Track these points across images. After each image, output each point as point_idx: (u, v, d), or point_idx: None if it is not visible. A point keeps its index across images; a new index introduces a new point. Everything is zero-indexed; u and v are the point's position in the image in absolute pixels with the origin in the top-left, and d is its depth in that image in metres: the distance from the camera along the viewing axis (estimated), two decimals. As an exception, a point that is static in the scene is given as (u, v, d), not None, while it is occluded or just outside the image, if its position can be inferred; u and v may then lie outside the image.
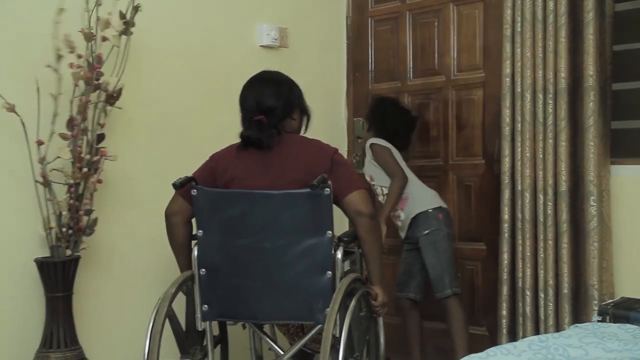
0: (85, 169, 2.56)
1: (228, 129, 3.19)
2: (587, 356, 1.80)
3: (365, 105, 3.84)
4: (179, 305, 2.51)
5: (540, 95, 3.23)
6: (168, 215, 2.58)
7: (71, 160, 2.53)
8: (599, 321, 2.11)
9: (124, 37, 2.63)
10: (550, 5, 3.18)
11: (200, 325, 2.53)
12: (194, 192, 2.47)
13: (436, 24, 3.74)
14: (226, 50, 3.27)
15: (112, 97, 2.61)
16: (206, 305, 2.51)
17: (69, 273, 2.56)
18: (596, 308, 2.73)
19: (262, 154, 2.51)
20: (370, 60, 3.97)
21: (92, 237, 2.65)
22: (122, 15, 2.62)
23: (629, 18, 3.43)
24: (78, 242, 2.60)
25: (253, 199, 2.43)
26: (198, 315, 2.52)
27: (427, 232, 3.31)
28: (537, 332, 3.17)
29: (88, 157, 2.57)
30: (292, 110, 2.64)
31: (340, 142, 3.82)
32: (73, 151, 2.53)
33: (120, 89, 2.63)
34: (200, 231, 2.50)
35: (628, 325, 1.99)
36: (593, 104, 3.10)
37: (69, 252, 2.57)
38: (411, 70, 3.85)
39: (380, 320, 2.71)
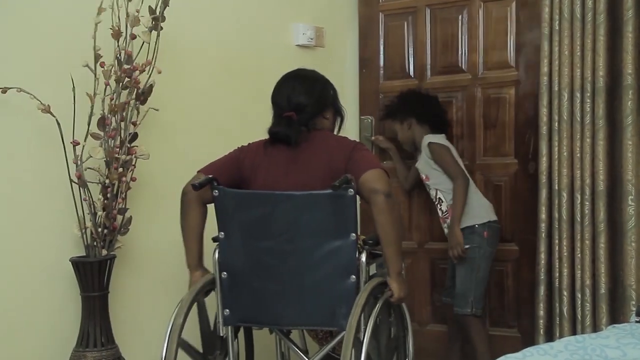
0: (120, 169, 2.58)
1: (262, 129, 3.20)
2: (625, 357, 1.77)
3: (372, 103, 3.78)
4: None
5: (578, 94, 3.19)
6: (184, 192, 2.49)
7: (105, 160, 2.55)
8: (636, 321, 2.07)
9: (154, 33, 2.64)
10: (589, 3, 3.15)
11: (222, 330, 2.47)
12: (215, 192, 2.42)
13: (460, 20, 3.63)
14: (261, 49, 3.28)
15: (143, 95, 2.63)
16: (228, 310, 2.45)
17: (104, 272, 2.58)
18: (634, 308, 2.68)
19: (289, 151, 2.46)
20: (380, 56, 3.80)
21: (126, 236, 2.67)
22: (152, 11, 2.64)
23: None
24: (113, 242, 2.62)
25: (275, 200, 2.37)
26: (220, 319, 2.47)
27: (467, 247, 3.21)
28: (574, 332, 3.14)
29: (123, 156, 2.59)
30: (325, 109, 2.60)
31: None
32: (107, 151, 2.55)
33: (151, 87, 2.64)
34: (222, 233, 2.45)
35: (667, 326, 1.96)
36: (631, 102, 3.06)
37: (104, 251, 2.59)
38: (429, 67, 3.72)
39: (409, 325, 2.60)
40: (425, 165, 3.37)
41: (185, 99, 2.99)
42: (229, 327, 2.49)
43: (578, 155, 3.18)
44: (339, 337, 2.40)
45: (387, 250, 2.40)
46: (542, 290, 3.26)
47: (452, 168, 3.28)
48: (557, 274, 3.23)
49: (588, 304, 3.13)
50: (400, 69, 3.79)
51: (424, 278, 3.76)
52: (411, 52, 3.76)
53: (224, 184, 2.43)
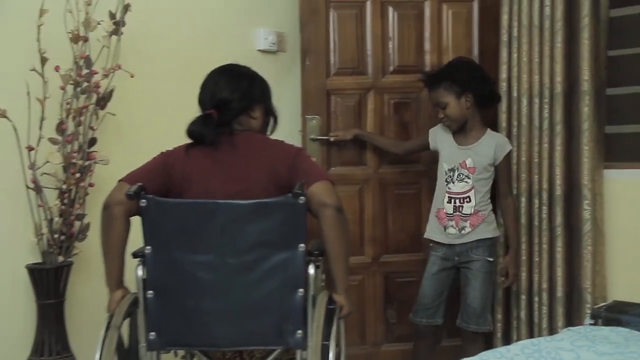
0: (78, 174, 2.55)
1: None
2: (579, 359, 1.79)
3: (318, 101, 3.38)
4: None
5: (537, 100, 3.24)
6: (108, 206, 2.22)
7: (62, 165, 2.53)
8: (591, 324, 2.10)
9: (114, 37, 2.63)
10: (547, 10, 3.19)
11: (146, 356, 2.22)
12: (142, 202, 2.15)
13: (419, 17, 3.44)
14: (223, 54, 3.24)
15: (103, 100, 2.61)
16: (154, 333, 2.19)
17: (60, 279, 2.55)
18: (589, 311, 2.72)
19: (216, 153, 2.30)
20: (330, 49, 3.40)
21: (84, 242, 2.64)
22: (112, 15, 2.62)
23: (623, 23, 3.43)
24: (70, 248, 2.59)
25: (217, 209, 2.15)
26: (143, 344, 2.20)
27: (491, 259, 3.00)
28: (531, 335, 3.18)
29: (81, 162, 2.56)
30: (251, 107, 2.41)
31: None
32: (65, 156, 2.52)
33: (111, 92, 2.62)
34: (149, 247, 2.17)
35: (620, 328, 1.99)
36: (588, 108, 3.11)
37: (60, 258, 2.56)
38: (378, 65, 3.43)
39: (343, 341, 2.42)
40: (484, 158, 2.99)
41: (146, 104, 2.97)
42: (154, 353, 2.24)
43: (536, 160, 3.22)
44: (275, 354, 2.33)
45: (337, 266, 2.27)
46: (500, 294, 3.30)
47: (510, 183, 3.14)
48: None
49: (545, 307, 3.17)
50: (351, 65, 3.43)
51: (378, 294, 3.49)
52: (367, 47, 3.43)
53: (152, 193, 2.19)
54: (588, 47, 3.10)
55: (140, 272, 2.19)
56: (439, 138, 3.11)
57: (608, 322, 2.06)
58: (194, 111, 3.11)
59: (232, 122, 2.36)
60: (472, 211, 2.98)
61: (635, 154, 3.34)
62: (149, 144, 2.96)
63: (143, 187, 2.16)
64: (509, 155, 3.06)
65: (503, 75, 3.29)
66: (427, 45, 3.47)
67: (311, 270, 2.20)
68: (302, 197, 2.13)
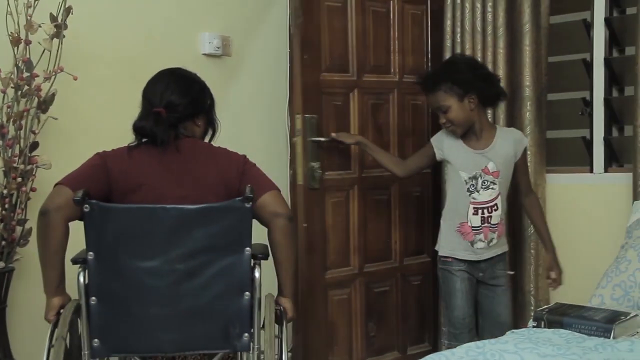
0: (19, 179, 2.50)
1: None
2: (522, 361, 1.83)
3: (316, 99, 3.27)
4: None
5: (480, 105, 3.28)
6: (47, 212, 2.16)
7: (3, 170, 2.47)
8: (534, 327, 2.14)
9: (55, 40, 2.58)
10: (489, 16, 3.25)
11: None
12: (86, 208, 2.10)
13: (385, 16, 3.41)
14: (167, 58, 3.21)
15: (45, 104, 2.56)
16: (97, 340, 2.15)
17: (2, 286, 2.49)
18: (532, 314, 2.77)
19: (162, 156, 2.28)
20: (323, 43, 3.30)
21: (26, 247, 2.58)
22: (53, 18, 2.57)
23: (562, 30, 3.52)
24: (12, 254, 2.53)
25: (164, 215, 2.14)
26: (85, 351, 2.16)
27: (512, 272, 2.95)
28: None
29: (22, 166, 2.51)
30: (198, 114, 2.44)
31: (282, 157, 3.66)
32: (5, 160, 2.46)
33: (53, 95, 2.57)
34: (91, 253, 2.12)
35: (562, 330, 2.03)
36: (530, 113, 3.17)
37: (2, 264, 2.50)
38: (357, 63, 3.35)
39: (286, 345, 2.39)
40: (506, 159, 2.82)
41: (89, 108, 2.92)
42: None
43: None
44: (218, 357, 2.35)
45: (285, 273, 2.34)
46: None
47: (530, 179, 2.95)
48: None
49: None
50: (339, 62, 3.35)
51: (360, 307, 3.37)
52: (351, 43, 3.36)
53: (92, 196, 2.14)
54: (529, 54, 3.16)
55: (82, 278, 2.14)
56: (447, 146, 2.87)
57: (550, 325, 2.09)
58: (136, 115, 3.09)
59: (177, 125, 2.36)
60: (500, 220, 2.82)
61: (574, 158, 3.43)
62: (92, 148, 2.91)
63: (87, 192, 2.11)
64: (526, 148, 2.91)
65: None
66: (393, 45, 3.44)
67: (257, 273, 2.22)
68: (250, 202, 2.15)
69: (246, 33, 3.58)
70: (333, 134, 3.19)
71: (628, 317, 2.05)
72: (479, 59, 3.28)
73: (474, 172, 2.80)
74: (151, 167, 2.28)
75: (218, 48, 3.38)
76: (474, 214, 2.79)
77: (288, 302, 2.36)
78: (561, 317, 2.09)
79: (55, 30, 2.56)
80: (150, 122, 2.30)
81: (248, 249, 2.18)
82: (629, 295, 2.35)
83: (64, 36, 2.60)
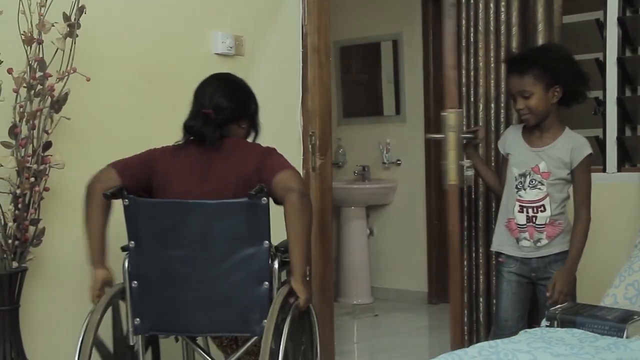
0: (32, 179, 2.51)
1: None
2: (535, 361, 1.82)
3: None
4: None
5: (492, 105, 3.28)
6: (92, 184, 2.44)
7: (16, 169, 2.48)
8: (547, 326, 2.13)
9: (69, 40, 2.58)
10: (502, 16, 3.24)
11: (133, 340, 2.45)
12: (125, 202, 2.39)
13: None
14: (180, 58, 3.24)
15: (57, 104, 2.57)
16: (138, 319, 2.42)
17: (15, 285, 2.49)
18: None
19: (201, 156, 2.48)
20: None
21: (39, 247, 2.60)
22: (66, 17, 2.58)
23: (575, 30, 3.51)
24: (25, 253, 2.54)
25: (188, 209, 2.37)
26: (130, 329, 2.44)
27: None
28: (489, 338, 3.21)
29: (35, 166, 2.52)
30: (242, 118, 2.63)
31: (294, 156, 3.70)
32: (18, 160, 2.47)
33: (66, 95, 2.58)
34: (132, 242, 2.41)
35: (574, 330, 2.02)
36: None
37: (15, 264, 2.51)
38: None
39: (317, 328, 2.61)
40: (558, 163, 2.73)
41: (102, 108, 2.94)
42: (139, 337, 2.46)
43: (493, 163, 3.26)
44: (248, 344, 2.45)
45: (295, 251, 2.35)
46: (465, 297, 3.32)
47: (590, 195, 2.73)
48: (475, 280, 3.31)
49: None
50: None
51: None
52: None
53: (133, 187, 2.42)
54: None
55: (126, 264, 2.42)
56: (509, 139, 2.85)
57: (564, 324, 2.09)
58: (150, 115, 3.11)
59: (223, 126, 2.54)
60: (548, 221, 2.72)
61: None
62: (104, 148, 2.94)
63: (122, 188, 2.38)
64: (587, 160, 2.72)
65: (463, 80, 3.34)
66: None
67: (276, 264, 2.37)
68: (264, 198, 2.32)
69: (259, 32, 3.59)
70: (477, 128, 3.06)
71: (641, 317, 2.05)
72: (492, 59, 3.28)
73: (524, 170, 2.76)
74: (186, 164, 2.48)
75: (231, 48, 3.39)
76: (519, 212, 2.75)
77: (297, 285, 2.37)
78: (574, 316, 2.09)
79: (68, 29, 2.57)
80: (199, 122, 2.50)
81: (267, 241, 2.34)
82: (642, 295, 2.34)
83: (77, 35, 2.60)
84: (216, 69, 3.32)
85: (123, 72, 3.01)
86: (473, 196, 3.32)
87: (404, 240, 5.51)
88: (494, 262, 3.24)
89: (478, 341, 3.13)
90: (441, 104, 4.44)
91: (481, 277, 3.29)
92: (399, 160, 5.61)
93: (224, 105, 2.56)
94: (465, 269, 3.31)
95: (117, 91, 2.99)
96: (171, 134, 3.14)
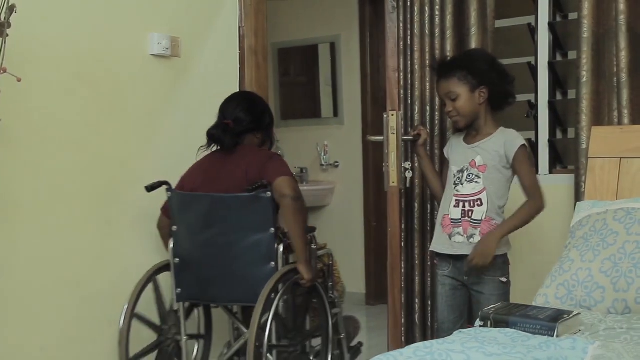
0: (-40, 182, 2.44)
1: (117, 139, 3.14)
2: (469, 360, 1.84)
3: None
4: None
5: (428, 108, 3.31)
6: (158, 229, 3.16)
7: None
8: (481, 326, 2.16)
9: (-2, 40, 2.51)
10: (437, 20, 3.28)
11: (175, 306, 3.02)
12: (168, 194, 2.98)
13: None
14: (115, 58, 3.19)
15: (-14, 105, 2.50)
16: (179, 289, 2.99)
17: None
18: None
19: (217, 159, 3.00)
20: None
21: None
22: (-4, 16, 2.51)
23: (508, 34, 3.58)
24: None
25: (211, 201, 2.88)
26: (173, 297, 3.01)
27: (504, 280, 2.76)
28: (425, 338, 3.25)
29: (-37, 169, 2.44)
30: (258, 130, 3.09)
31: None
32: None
33: (-4, 96, 2.51)
34: (175, 227, 2.99)
35: (507, 330, 2.05)
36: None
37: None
38: None
39: (327, 304, 3.04)
40: (493, 156, 2.76)
41: (34, 109, 2.86)
42: (181, 303, 3.01)
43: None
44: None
45: (296, 243, 2.86)
46: (403, 298, 3.35)
47: (536, 183, 2.76)
48: (410, 282, 3.35)
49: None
50: None
51: None
52: None
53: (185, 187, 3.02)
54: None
55: (171, 244, 2.98)
56: (451, 144, 2.92)
57: (497, 324, 2.12)
58: (86, 116, 3.06)
59: (240, 135, 3.03)
60: (484, 217, 2.72)
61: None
62: (37, 149, 2.88)
63: (162, 183, 2.99)
64: (522, 151, 2.75)
65: (401, 82, 3.37)
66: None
67: (280, 248, 2.85)
68: (268, 192, 2.80)
69: (195, 34, 3.56)
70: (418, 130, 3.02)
71: (571, 316, 2.09)
72: (427, 62, 3.32)
73: (462, 166, 2.80)
74: (202, 166, 3.05)
75: (167, 49, 3.36)
76: (454, 207, 2.76)
77: (301, 266, 2.87)
78: (507, 316, 2.12)
79: (-3, 29, 2.50)
80: (219, 130, 3.00)
81: (272, 229, 2.83)
82: (572, 294, 2.39)
83: (7, 35, 2.53)
84: (152, 70, 3.30)
85: (56, 73, 2.95)
86: (409, 198, 3.35)
87: (342, 242, 5.53)
88: (429, 263, 3.29)
89: (414, 342, 3.16)
90: (378, 107, 4.62)
91: (417, 278, 3.33)
92: (336, 162, 5.63)
93: (242, 117, 3.05)
94: (402, 270, 3.33)
95: (50, 92, 2.93)
96: (106, 134, 3.10)
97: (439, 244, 2.82)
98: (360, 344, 3.50)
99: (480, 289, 2.75)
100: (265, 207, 2.83)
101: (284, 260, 2.88)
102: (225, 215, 2.87)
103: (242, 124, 3.04)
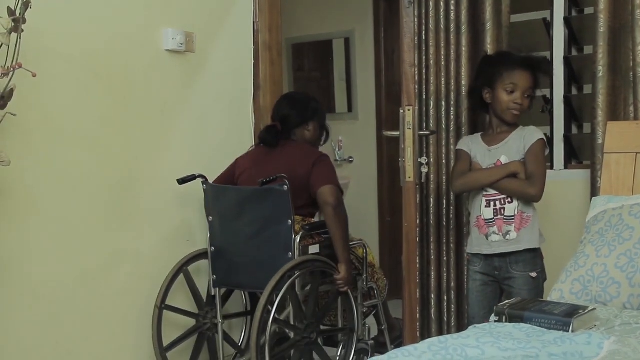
0: (-23, 177, 2.45)
1: (131, 134, 3.15)
2: (484, 355, 1.84)
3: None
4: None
5: (443, 103, 3.31)
6: None
7: (-40, 167, 2.43)
8: (495, 321, 2.16)
9: (14, 35, 2.53)
10: (452, 15, 3.27)
11: (213, 291, 3.22)
12: (204, 186, 3.20)
13: None
14: (130, 54, 3.20)
15: (3, 100, 2.51)
16: (215, 276, 3.19)
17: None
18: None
19: (265, 154, 3.22)
20: None
21: (-13, 246, 2.55)
22: (11, 12, 2.52)
23: (523, 29, 3.56)
24: (-30, 253, 2.49)
25: (238, 193, 3.12)
26: (210, 282, 3.22)
27: (535, 275, 2.79)
28: (440, 333, 3.24)
29: (-21, 163, 2.46)
30: (306, 121, 3.30)
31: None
32: (-37, 157, 2.42)
33: (12, 91, 2.53)
34: (210, 217, 3.19)
35: (522, 325, 2.05)
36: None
37: (-40, 263, 2.48)
38: None
39: (355, 307, 3.19)
40: (517, 151, 2.80)
41: (49, 104, 2.88)
42: (217, 289, 3.21)
43: (444, 162, 3.29)
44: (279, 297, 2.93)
45: (336, 245, 3.06)
46: (417, 293, 3.34)
47: (540, 173, 2.75)
48: (425, 277, 3.34)
49: (454, 306, 3.25)
50: None
51: None
52: None
53: (222, 181, 3.27)
54: (491, 52, 3.19)
55: (208, 233, 3.21)
56: (473, 145, 2.92)
57: (512, 319, 2.11)
58: (100, 111, 3.07)
59: (290, 132, 3.27)
60: (516, 212, 2.77)
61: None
62: (52, 144, 2.89)
63: (196, 177, 3.21)
64: (539, 143, 2.78)
65: (415, 78, 3.36)
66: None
67: (298, 239, 3.00)
68: (285, 186, 2.94)
69: (210, 29, 3.57)
70: None
71: (586, 311, 2.08)
72: (442, 57, 3.31)
73: (488, 166, 2.83)
74: (250, 162, 3.26)
75: (181, 44, 3.36)
76: (486, 207, 2.80)
77: (340, 266, 3.07)
78: (522, 311, 2.11)
79: (13, 24, 2.51)
80: (265, 131, 3.29)
81: (289, 221, 2.99)
82: (587, 290, 2.38)
83: (22, 31, 2.55)
84: (166, 66, 3.31)
85: (71, 68, 2.96)
86: (425, 193, 3.35)
87: (357, 237, 5.53)
88: (444, 258, 3.29)
89: (430, 337, 3.16)
90: (393, 102, 4.61)
91: (432, 273, 3.32)
92: (351, 157, 5.63)
93: (286, 113, 3.28)
94: (418, 265, 3.32)
95: (65, 87, 2.94)
96: (120, 130, 3.11)
97: (477, 245, 2.84)
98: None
99: (511, 284, 2.78)
100: (283, 200, 2.97)
101: (300, 250, 3.02)
102: (250, 208, 3.07)
103: (289, 119, 3.26)
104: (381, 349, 3.33)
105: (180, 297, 3.30)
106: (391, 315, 3.67)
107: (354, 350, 3.21)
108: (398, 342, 3.45)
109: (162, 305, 3.11)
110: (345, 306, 3.23)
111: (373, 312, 3.46)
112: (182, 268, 3.20)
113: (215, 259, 3.19)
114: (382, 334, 3.47)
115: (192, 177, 3.19)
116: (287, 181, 2.95)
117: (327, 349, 3.16)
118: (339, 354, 3.23)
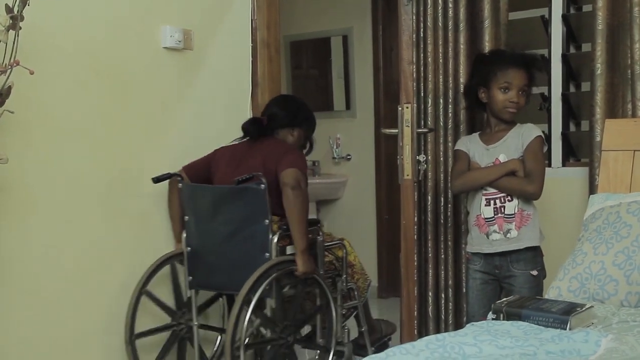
0: (-25, 174, 2.45)
1: (130, 131, 3.15)
2: (481, 353, 1.84)
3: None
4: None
5: (441, 101, 3.30)
6: (169, 184, 3.19)
7: (-42, 164, 2.42)
8: (493, 319, 2.16)
9: (11, 32, 2.52)
10: (450, 12, 3.27)
11: (188, 293, 3.12)
12: (180, 185, 3.10)
13: None
14: (128, 51, 3.20)
15: (1, 97, 2.51)
16: (190, 277, 3.09)
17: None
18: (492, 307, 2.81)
19: (246, 149, 3.10)
20: None
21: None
22: (9, 9, 2.52)
23: (521, 26, 3.56)
24: (-32, 250, 2.49)
25: (213, 192, 3.01)
26: (186, 284, 3.12)
27: (536, 272, 2.78)
28: (438, 331, 3.25)
29: (-23, 161, 2.46)
30: (293, 126, 3.22)
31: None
32: (-40, 155, 2.42)
33: (10, 88, 2.52)
34: (187, 217, 3.09)
35: (519, 322, 2.05)
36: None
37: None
38: None
39: (329, 295, 3.07)
40: (516, 149, 2.79)
41: (47, 101, 2.88)
42: (192, 290, 3.11)
43: (441, 159, 3.29)
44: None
45: (293, 232, 2.89)
46: (415, 291, 3.34)
47: (539, 171, 2.75)
48: (423, 275, 3.34)
49: (451, 304, 3.25)
50: None
51: None
52: None
53: (193, 177, 3.15)
54: (489, 49, 3.19)
55: (184, 234, 3.10)
56: (471, 145, 2.91)
57: (509, 317, 2.11)
58: (98, 108, 3.07)
59: (275, 131, 3.18)
60: (516, 210, 2.76)
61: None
62: (50, 141, 2.89)
63: (171, 175, 3.10)
64: (537, 140, 2.77)
65: (413, 75, 3.36)
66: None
67: (275, 239, 2.89)
68: (262, 185, 2.85)
69: (208, 27, 3.56)
70: None
71: (584, 309, 2.08)
72: (440, 54, 3.31)
73: (486, 165, 2.83)
74: (226, 157, 3.15)
75: (179, 42, 3.36)
76: (486, 205, 2.79)
77: (297, 257, 2.91)
78: (519, 309, 2.11)
79: (11, 21, 2.51)
80: (249, 123, 3.20)
81: (267, 220, 2.88)
82: (584, 287, 2.38)
83: (20, 28, 2.55)
84: (164, 63, 3.30)
85: (69, 65, 2.95)
86: (422, 191, 3.35)
87: (354, 235, 5.52)
88: (442, 256, 3.29)
89: (427, 335, 3.16)
90: (391, 99, 4.61)
91: (430, 271, 3.32)
92: (349, 155, 5.63)
93: (276, 111, 3.23)
94: (415, 262, 3.32)
95: (63, 84, 2.93)
96: (119, 127, 3.11)
97: (478, 244, 2.84)
98: (389, 338, 3.60)
99: (512, 282, 2.77)
100: (260, 199, 2.88)
101: (278, 251, 2.91)
102: (225, 207, 2.96)
103: (276, 118, 3.19)
104: (361, 351, 3.27)
105: (164, 290, 3.21)
106: (372, 316, 3.56)
107: (332, 353, 3.12)
108: (379, 344, 3.44)
109: (142, 289, 3.02)
110: (325, 317, 3.13)
111: (354, 314, 3.35)
112: (170, 259, 3.13)
113: (191, 260, 3.09)
114: (362, 336, 3.34)
115: (168, 176, 3.11)
116: (263, 179, 2.87)
117: (307, 351, 3.18)
118: (317, 357, 3.18)
